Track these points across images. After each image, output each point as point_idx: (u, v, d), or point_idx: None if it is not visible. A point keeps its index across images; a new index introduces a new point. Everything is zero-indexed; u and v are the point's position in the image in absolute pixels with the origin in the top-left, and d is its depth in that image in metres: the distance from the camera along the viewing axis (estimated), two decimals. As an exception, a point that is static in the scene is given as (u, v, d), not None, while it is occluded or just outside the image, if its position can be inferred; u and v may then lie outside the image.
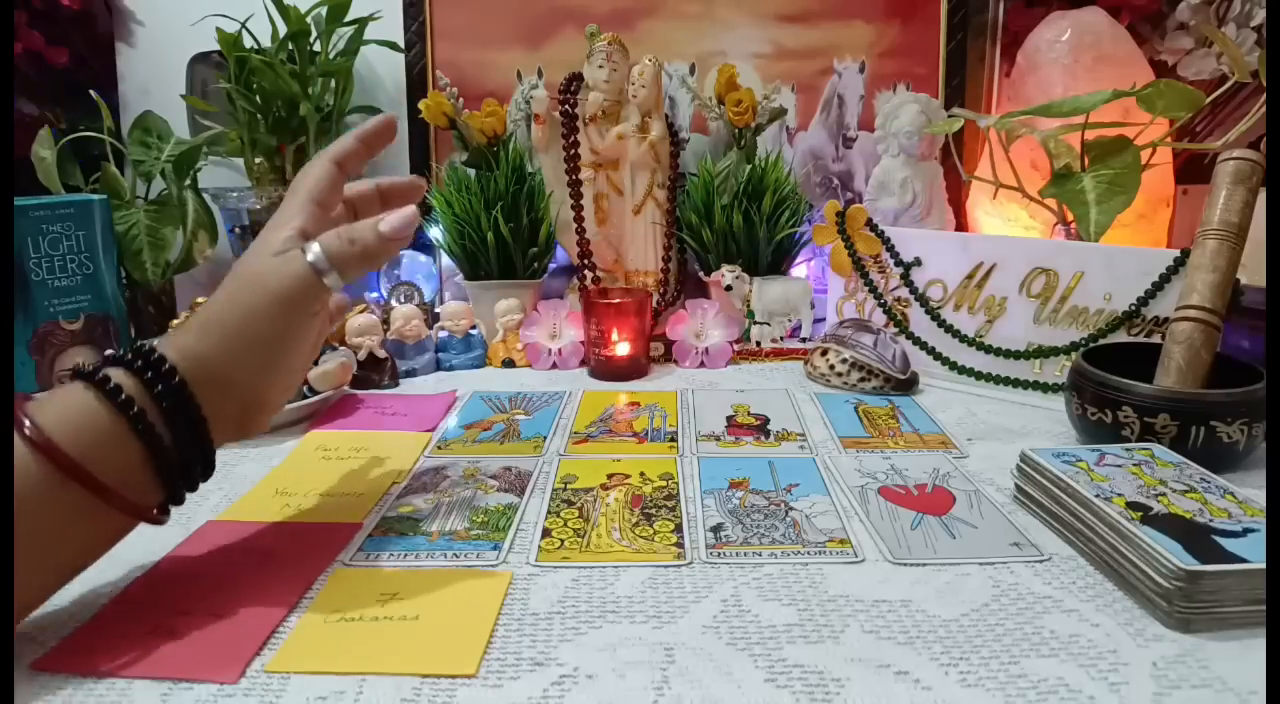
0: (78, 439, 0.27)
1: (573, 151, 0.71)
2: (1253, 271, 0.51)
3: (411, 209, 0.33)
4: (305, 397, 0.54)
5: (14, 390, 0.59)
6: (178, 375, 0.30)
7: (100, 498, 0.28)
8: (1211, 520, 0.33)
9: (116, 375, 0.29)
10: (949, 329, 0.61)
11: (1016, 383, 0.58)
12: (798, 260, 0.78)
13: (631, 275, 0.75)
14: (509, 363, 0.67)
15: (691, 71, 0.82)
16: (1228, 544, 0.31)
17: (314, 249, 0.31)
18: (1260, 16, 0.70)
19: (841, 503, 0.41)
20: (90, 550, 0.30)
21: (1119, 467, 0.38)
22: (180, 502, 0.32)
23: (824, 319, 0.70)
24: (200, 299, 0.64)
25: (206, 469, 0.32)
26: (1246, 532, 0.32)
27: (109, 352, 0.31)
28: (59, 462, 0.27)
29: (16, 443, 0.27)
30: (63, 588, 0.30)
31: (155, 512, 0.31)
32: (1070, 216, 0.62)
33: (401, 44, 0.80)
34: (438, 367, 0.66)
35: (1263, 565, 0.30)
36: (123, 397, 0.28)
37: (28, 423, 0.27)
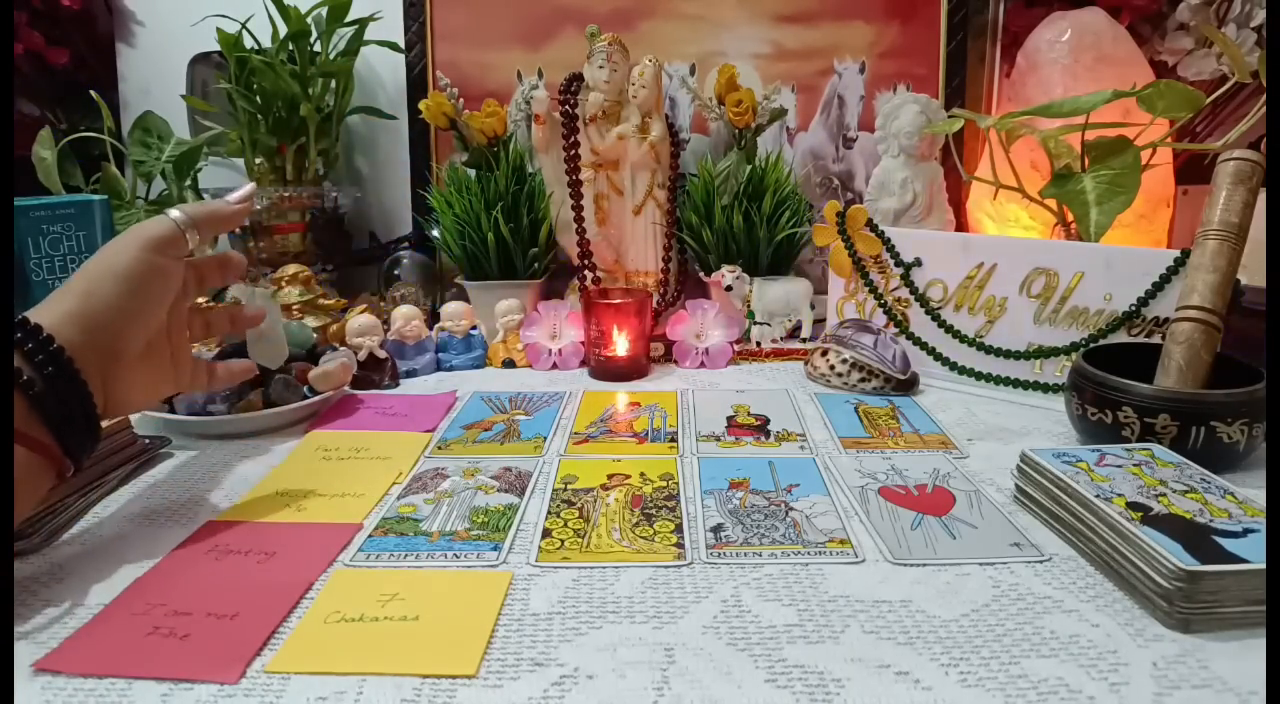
0: None
1: (573, 152, 0.71)
2: (1253, 272, 0.51)
3: (250, 185, 0.43)
4: (306, 397, 0.54)
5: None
6: (46, 335, 0.33)
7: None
8: (1212, 521, 0.33)
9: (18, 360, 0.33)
10: (949, 329, 0.61)
11: (1017, 383, 0.58)
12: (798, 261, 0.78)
13: (632, 276, 0.75)
14: (509, 363, 0.67)
15: (692, 72, 0.82)
16: (1228, 544, 0.31)
17: (174, 211, 0.39)
18: (1260, 17, 0.70)
19: (841, 503, 0.41)
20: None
21: (1119, 467, 0.38)
22: (76, 453, 0.34)
23: (824, 320, 0.70)
24: (201, 299, 0.65)
25: (89, 420, 0.35)
26: (1246, 532, 0.32)
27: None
28: None
29: None
30: None
31: (63, 458, 0.34)
32: (1070, 217, 0.62)
33: (402, 44, 0.80)
34: (438, 367, 0.66)
35: (1263, 565, 0.30)
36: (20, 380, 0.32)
37: None
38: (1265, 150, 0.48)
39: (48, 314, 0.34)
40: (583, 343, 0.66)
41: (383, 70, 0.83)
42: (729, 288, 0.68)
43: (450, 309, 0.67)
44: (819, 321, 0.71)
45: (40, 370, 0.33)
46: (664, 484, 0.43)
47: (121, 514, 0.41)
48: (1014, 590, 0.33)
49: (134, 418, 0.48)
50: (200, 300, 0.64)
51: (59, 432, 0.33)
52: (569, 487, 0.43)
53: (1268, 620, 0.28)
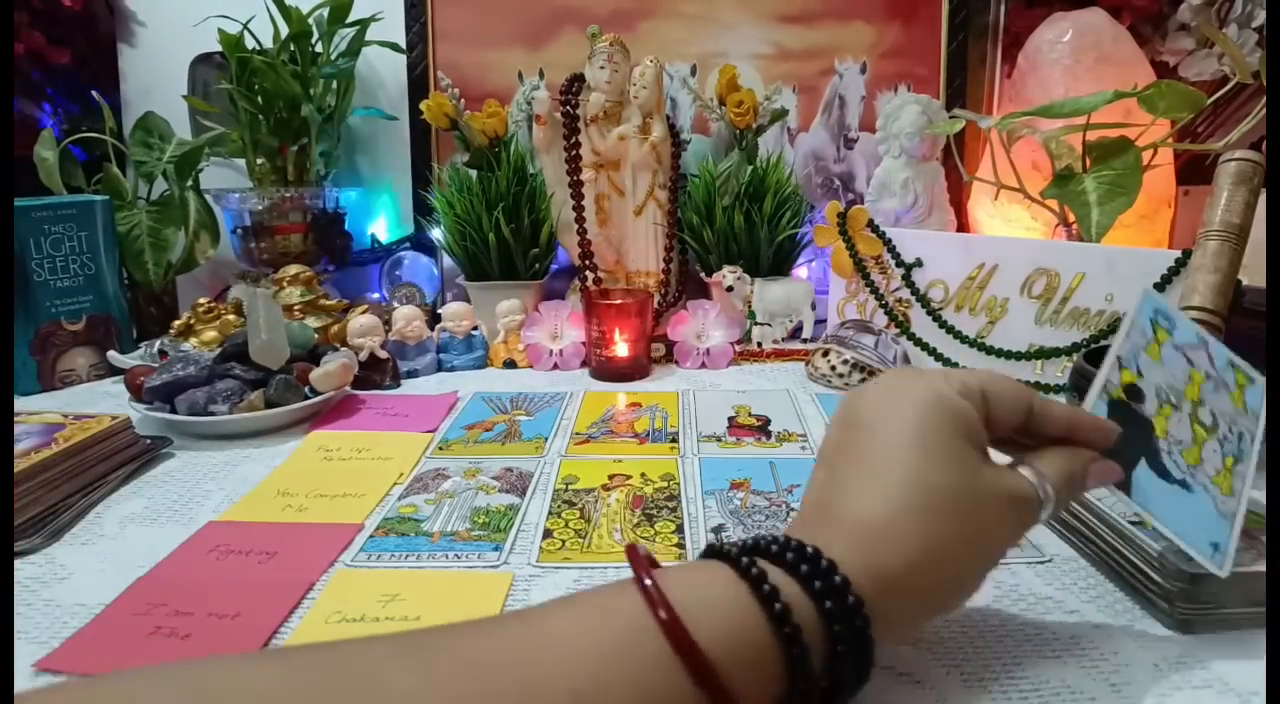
0: (716, 643, 0.20)
1: (574, 152, 0.71)
2: (1254, 273, 0.51)
3: (1114, 467, 0.28)
4: (308, 397, 0.54)
5: (13, 390, 0.59)
6: (861, 615, 0.22)
7: None
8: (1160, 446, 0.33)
9: (781, 582, 0.22)
10: (950, 330, 0.61)
11: (1018, 384, 0.58)
12: (799, 262, 0.78)
13: (633, 276, 0.75)
14: (510, 364, 0.67)
15: (693, 72, 0.82)
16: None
17: (1049, 493, 0.26)
18: (1262, 17, 0.70)
19: (843, 504, 0.41)
20: None
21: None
22: None
23: (825, 320, 0.70)
24: (202, 300, 0.65)
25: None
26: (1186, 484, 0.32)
27: (761, 538, 0.23)
28: (694, 666, 0.20)
29: (639, 618, 0.20)
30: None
31: None
32: (1071, 217, 0.62)
33: (403, 45, 0.80)
34: (439, 367, 0.66)
35: (1263, 567, 0.30)
36: (790, 625, 0.21)
37: (664, 609, 0.20)
38: (1266, 151, 0.48)
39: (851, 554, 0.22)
40: (584, 343, 0.66)
41: (384, 71, 0.83)
42: (730, 288, 0.68)
43: (451, 310, 0.67)
44: (820, 322, 0.71)
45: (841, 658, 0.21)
46: (665, 485, 0.43)
47: (123, 514, 0.41)
48: (1015, 591, 0.33)
49: (135, 417, 0.48)
50: (202, 301, 0.65)
51: None
52: (570, 487, 0.43)
53: (1268, 621, 0.28)
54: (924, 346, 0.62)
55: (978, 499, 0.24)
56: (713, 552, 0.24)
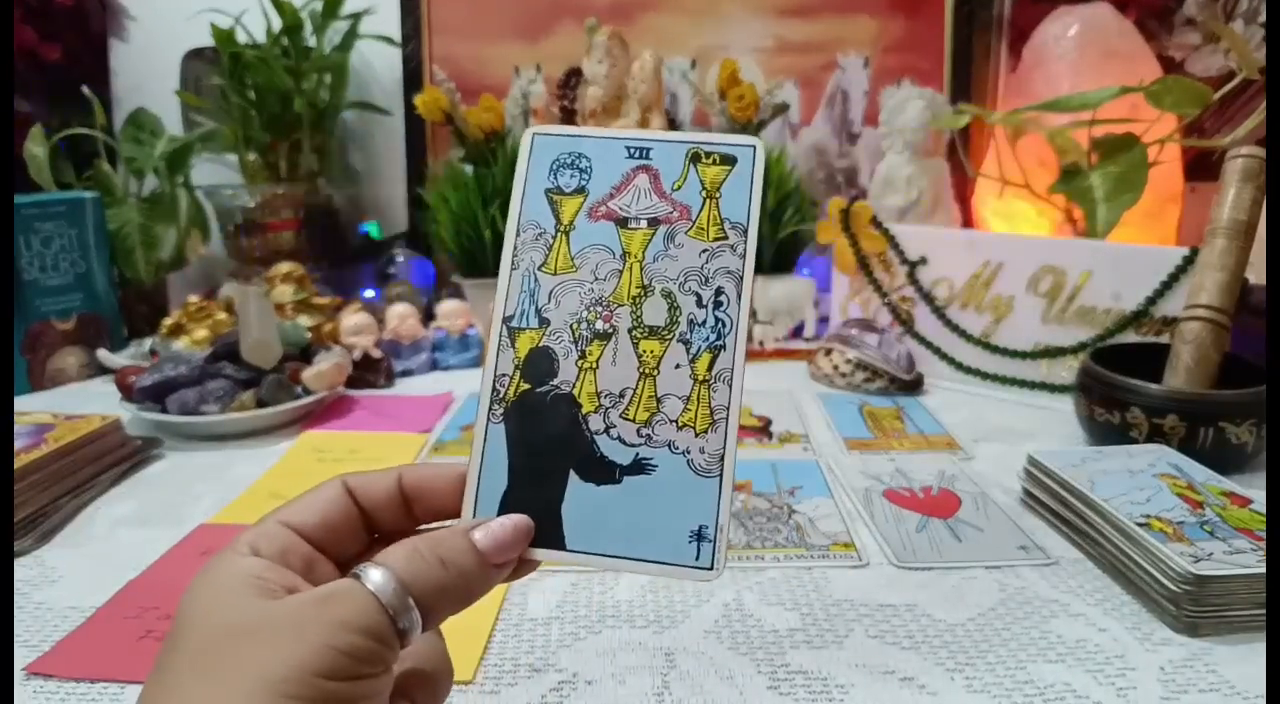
0: None
1: (572, 148, 0.70)
2: (1261, 270, 0.51)
3: (517, 519, 0.20)
4: (300, 397, 0.53)
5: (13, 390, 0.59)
6: None
7: None
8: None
9: None
10: (955, 328, 0.60)
11: (1024, 383, 0.57)
12: (800, 265, 0.77)
13: (631, 273, 0.74)
14: (508, 362, 0.66)
15: (692, 66, 0.81)
16: None
17: (374, 575, 0.18)
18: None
19: (845, 506, 0.40)
20: None
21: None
22: None
23: (828, 319, 0.69)
24: (193, 298, 0.64)
25: None
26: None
27: None
28: None
29: None
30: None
31: None
32: (1078, 214, 0.61)
33: (398, 38, 0.79)
34: (434, 367, 0.65)
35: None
36: None
37: None
38: (1266, 149, 0.47)
39: None
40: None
41: (378, 65, 0.82)
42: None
43: (446, 308, 0.66)
44: (823, 321, 0.70)
45: None
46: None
47: (114, 516, 0.40)
48: (1020, 594, 0.33)
49: (126, 417, 0.48)
50: (193, 299, 0.64)
51: None
52: (567, 488, 0.42)
53: (1268, 621, 0.28)
54: (928, 345, 0.61)
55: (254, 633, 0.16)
56: None
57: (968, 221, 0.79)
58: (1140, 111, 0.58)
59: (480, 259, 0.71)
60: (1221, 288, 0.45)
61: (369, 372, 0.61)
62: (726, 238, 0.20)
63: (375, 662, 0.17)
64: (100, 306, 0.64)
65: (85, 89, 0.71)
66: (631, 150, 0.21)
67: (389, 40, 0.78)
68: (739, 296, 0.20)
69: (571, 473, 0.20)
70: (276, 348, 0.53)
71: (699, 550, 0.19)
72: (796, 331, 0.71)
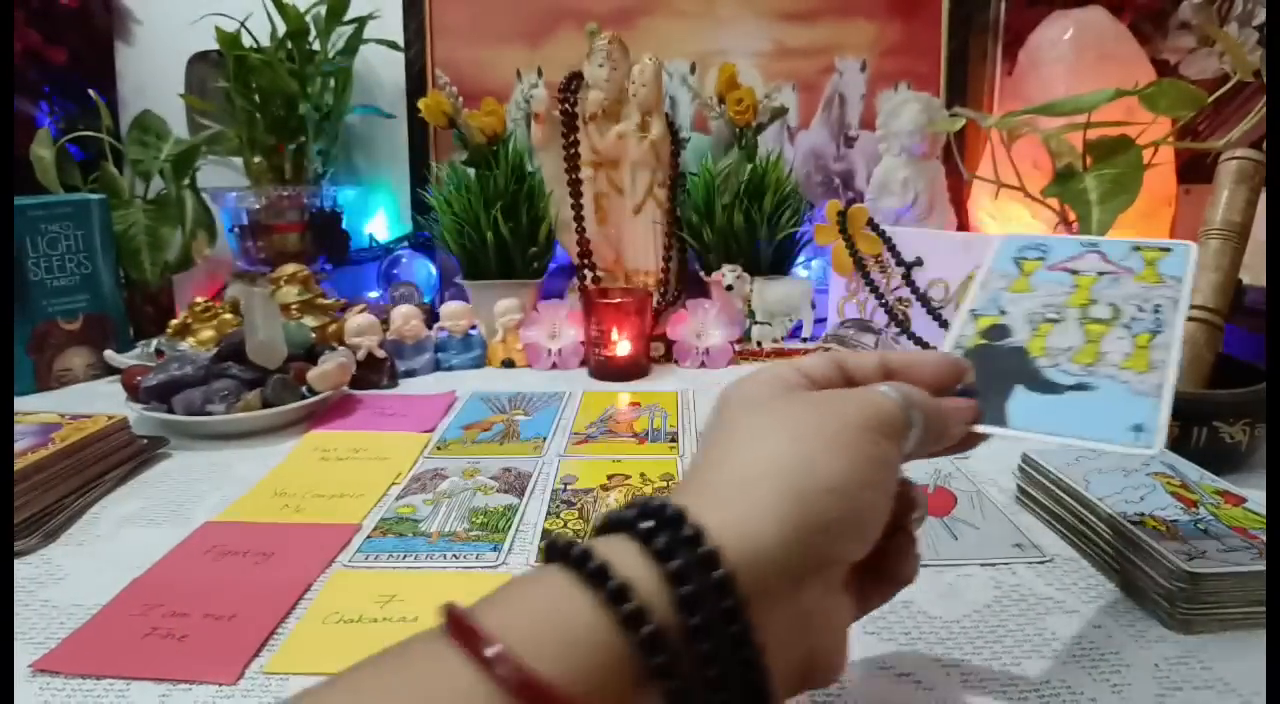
0: (564, 678, 0.16)
1: (572, 151, 0.70)
2: (1255, 272, 0.51)
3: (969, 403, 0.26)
4: (305, 397, 0.53)
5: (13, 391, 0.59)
6: (732, 591, 0.17)
7: None
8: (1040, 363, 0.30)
9: (633, 569, 0.17)
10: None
11: (1018, 383, 0.57)
12: (798, 262, 0.77)
13: (631, 275, 0.75)
14: (508, 363, 0.67)
15: (692, 70, 0.82)
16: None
17: (882, 387, 0.23)
18: (1263, 15, 0.70)
19: (842, 503, 0.41)
20: None
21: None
22: None
23: (825, 319, 0.69)
24: (199, 299, 0.65)
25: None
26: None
27: (611, 514, 0.20)
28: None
29: (464, 669, 0.15)
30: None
31: None
32: (1072, 216, 0.61)
33: (401, 43, 0.79)
34: (437, 367, 0.66)
35: (1263, 567, 0.30)
36: (644, 631, 0.16)
37: (492, 649, 0.16)
38: (1266, 150, 0.47)
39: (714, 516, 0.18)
40: (582, 342, 0.66)
41: (381, 69, 0.83)
42: (729, 287, 0.68)
43: (449, 309, 0.67)
44: (820, 321, 0.70)
45: (697, 634, 0.17)
46: (665, 485, 0.43)
47: (119, 514, 0.41)
48: (1016, 591, 0.33)
49: (132, 417, 0.48)
50: (199, 300, 0.64)
51: None
52: (569, 487, 0.43)
53: (1268, 621, 0.28)
54: (924, 346, 0.62)
55: (842, 422, 0.21)
56: (552, 551, 0.19)
57: (963, 224, 0.80)
58: (1135, 114, 0.59)
59: (482, 261, 0.71)
60: (1215, 288, 0.46)
61: (373, 372, 0.61)
62: (1164, 283, 0.29)
63: (896, 436, 0.22)
64: (106, 307, 0.64)
65: (91, 92, 0.71)
66: (1084, 243, 0.31)
67: (392, 45, 0.78)
68: (1176, 309, 0.28)
69: (1018, 386, 0.26)
70: (281, 348, 0.53)
71: (1138, 437, 0.25)
72: (794, 332, 0.71)
